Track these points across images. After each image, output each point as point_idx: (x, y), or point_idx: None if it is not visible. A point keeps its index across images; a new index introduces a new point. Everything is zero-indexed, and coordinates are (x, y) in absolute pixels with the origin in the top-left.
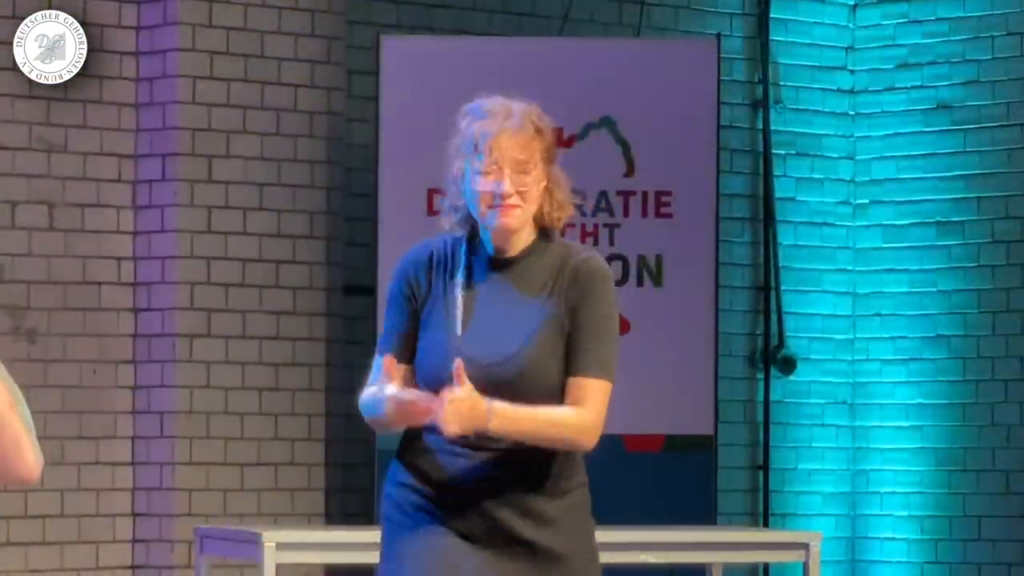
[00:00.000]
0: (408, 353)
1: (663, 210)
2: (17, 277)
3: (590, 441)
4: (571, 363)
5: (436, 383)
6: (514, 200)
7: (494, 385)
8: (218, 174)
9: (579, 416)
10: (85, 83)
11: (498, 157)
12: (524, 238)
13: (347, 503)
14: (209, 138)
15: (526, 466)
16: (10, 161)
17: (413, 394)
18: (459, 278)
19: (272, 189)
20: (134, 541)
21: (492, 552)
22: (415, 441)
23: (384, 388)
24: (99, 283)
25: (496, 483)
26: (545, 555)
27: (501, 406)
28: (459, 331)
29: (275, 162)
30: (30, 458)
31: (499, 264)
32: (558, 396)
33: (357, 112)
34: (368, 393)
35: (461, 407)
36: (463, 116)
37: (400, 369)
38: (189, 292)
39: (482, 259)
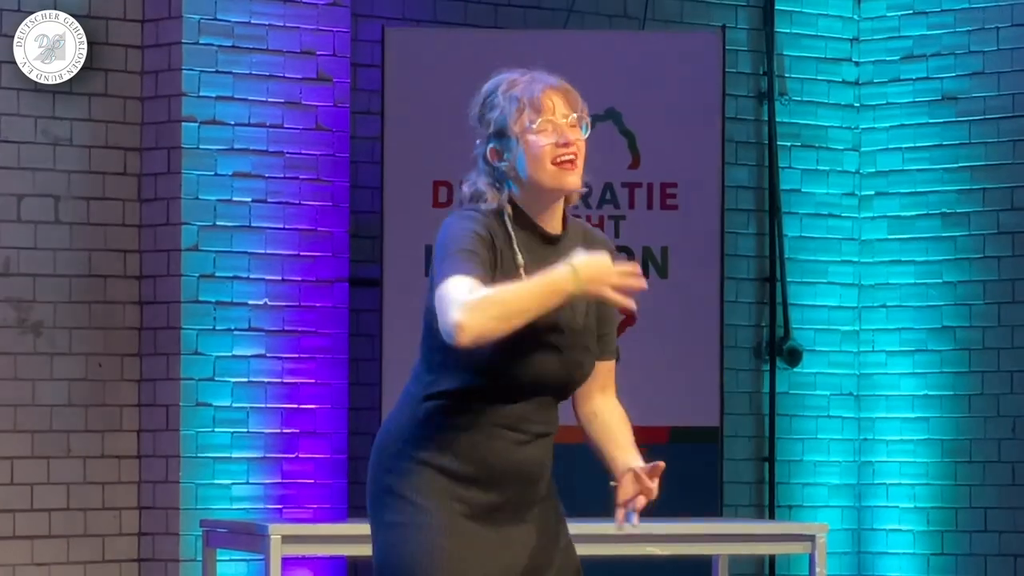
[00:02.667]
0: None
1: (668, 202)
2: (23, 270)
3: None
4: (600, 347)
5: (509, 366)
6: (573, 152)
7: (566, 383)
8: (223, 168)
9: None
10: (90, 77)
11: (551, 113)
12: (559, 213)
13: (356, 496)
14: (214, 131)
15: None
16: (15, 155)
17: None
18: (520, 260)
19: (278, 182)
20: (140, 534)
21: (510, 525)
22: (448, 418)
23: (580, 256)
24: (104, 276)
25: (536, 462)
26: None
27: None
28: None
29: (281, 156)
30: None
31: (548, 241)
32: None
33: (362, 105)
34: (490, 292)
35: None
36: (489, 94)
37: None
38: (195, 285)
39: (529, 237)
